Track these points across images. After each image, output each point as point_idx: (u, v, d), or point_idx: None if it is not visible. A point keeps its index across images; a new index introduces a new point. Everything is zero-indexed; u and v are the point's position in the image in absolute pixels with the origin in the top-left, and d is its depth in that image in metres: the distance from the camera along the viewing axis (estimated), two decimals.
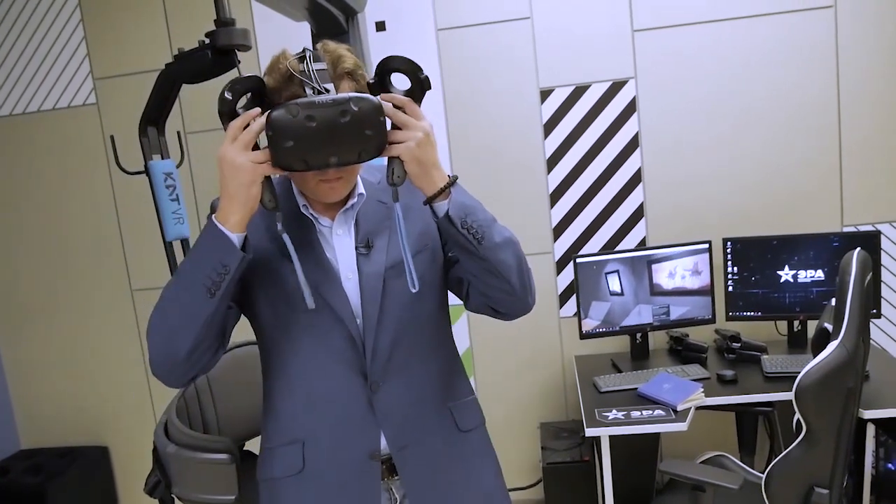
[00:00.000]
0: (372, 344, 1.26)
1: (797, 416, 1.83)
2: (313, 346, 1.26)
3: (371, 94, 1.14)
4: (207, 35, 1.94)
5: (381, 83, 1.17)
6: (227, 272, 1.12)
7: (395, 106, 1.14)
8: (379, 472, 1.28)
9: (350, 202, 1.28)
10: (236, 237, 1.12)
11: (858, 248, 1.91)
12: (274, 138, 1.09)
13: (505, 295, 1.23)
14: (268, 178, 1.13)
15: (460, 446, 1.36)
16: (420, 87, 1.16)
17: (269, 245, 1.24)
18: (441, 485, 1.33)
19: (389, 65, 1.15)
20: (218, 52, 1.94)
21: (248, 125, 1.11)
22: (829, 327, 1.88)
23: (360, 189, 1.30)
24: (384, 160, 1.19)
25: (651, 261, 2.70)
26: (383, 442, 1.28)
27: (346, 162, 1.11)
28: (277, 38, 2.95)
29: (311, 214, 1.27)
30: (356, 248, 1.28)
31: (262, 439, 1.37)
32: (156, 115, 2.16)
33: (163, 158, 2.20)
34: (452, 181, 1.17)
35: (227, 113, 1.11)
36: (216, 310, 1.13)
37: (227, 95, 1.10)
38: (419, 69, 1.15)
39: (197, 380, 1.99)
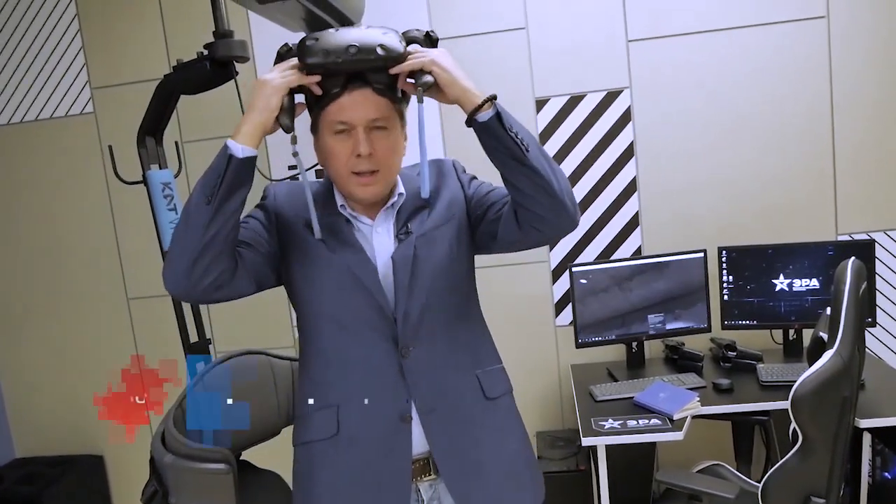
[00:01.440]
0: (403, 309, 1.32)
1: (793, 425, 1.84)
2: (345, 314, 1.33)
3: None
4: (206, 47, 1.96)
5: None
6: (221, 176, 1.20)
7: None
8: (410, 434, 1.33)
9: (391, 201, 1.36)
10: (241, 148, 1.20)
11: (853, 258, 1.92)
12: (300, 44, 1.23)
13: (552, 211, 1.25)
14: (290, 101, 1.24)
15: (487, 413, 1.40)
16: (430, 42, 1.30)
17: (302, 228, 1.34)
18: (467, 449, 1.37)
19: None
20: (216, 63, 1.96)
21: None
22: (825, 336, 1.89)
23: (401, 188, 1.38)
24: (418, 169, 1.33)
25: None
26: (414, 406, 1.33)
27: (366, 47, 1.20)
28: (274, 49, 2.94)
29: (350, 213, 1.36)
30: (396, 236, 1.35)
31: (296, 408, 1.45)
32: (154, 125, 2.18)
33: (161, 168, 2.21)
34: (494, 96, 1.23)
35: (281, 58, 1.28)
36: (212, 218, 1.19)
37: (289, 44, 1.28)
38: (424, 32, 1.31)
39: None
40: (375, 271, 1.32)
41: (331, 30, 1.23)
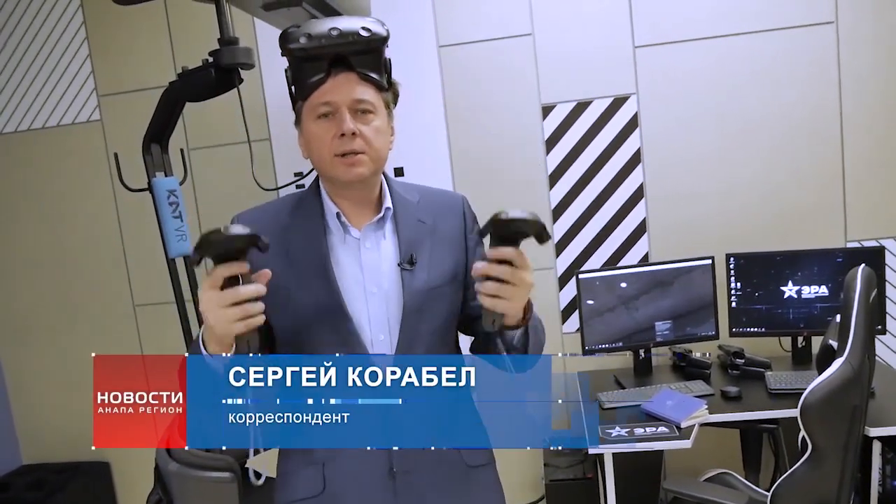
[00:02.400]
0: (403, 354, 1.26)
1: (802, 433, 1.82)
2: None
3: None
4: (211, 54, 1.96)
5: (498, 238, 1.06)
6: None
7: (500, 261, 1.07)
8: (396, 491, 1.28)
9: (377, 216, 1.30)
10: (211, 358, 1.13)
11: (863, 265, 1.90)
12: (282, 34, 1.20)
13: (502, 368, 1.24)
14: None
15: (465, 482, 1.34)
16: (539, 241, 1.05)
17: (273, 259, 1.23)
18: None
19: (511, 228, 1.03)
20: (221, 70, 1.96)
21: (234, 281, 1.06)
22: (834, 344, 1.87)
23: (388, 203, 1.31)
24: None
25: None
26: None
27: (349, 31, 1.18)
28: (280, 56, 2.96)
29: (344, 223, 1.29)
30: (399, 264, 1.28)
31: (279, 463, 1.37)
32: (159, 132, 2.18)
33: (166, 176, 2.21)
34: (529, 307, 1.17)
35: (221, 255, 1.03)
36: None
37: (224, 230, 1.00)
38: (542, 228, 1.03)
39: None
40: (349, 318, 1.25)
41: (312, 19, 1.24)
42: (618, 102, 2.86)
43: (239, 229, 1.02)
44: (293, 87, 1.26)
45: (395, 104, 1.31)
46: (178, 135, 2.93)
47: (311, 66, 1.22)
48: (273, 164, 3.03)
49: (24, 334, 3.34)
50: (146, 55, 3.06)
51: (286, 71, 1.26)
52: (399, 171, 2.92)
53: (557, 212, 2.94)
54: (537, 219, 1.02)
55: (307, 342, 1.26)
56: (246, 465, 2.17)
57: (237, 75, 2.01)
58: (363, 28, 1.20)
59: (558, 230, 2.95)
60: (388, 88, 1.28)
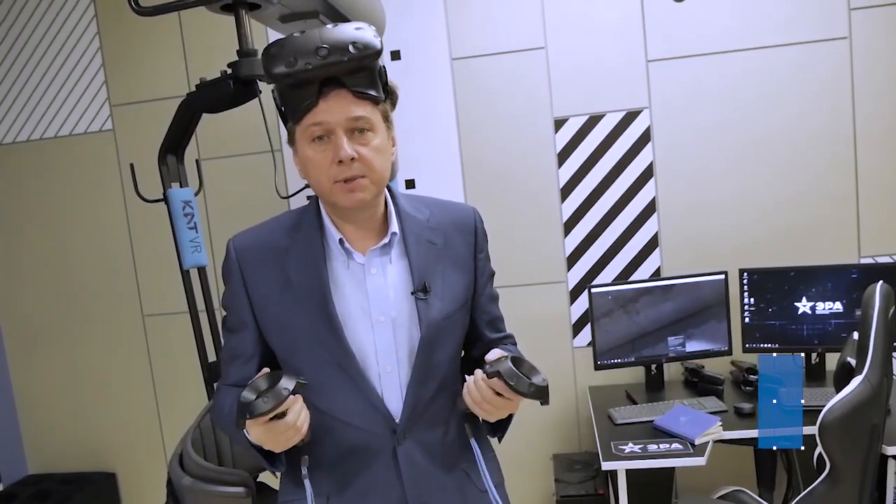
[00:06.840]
0: (415, 392, 1.22)
1: (818, 451, 1.80)
2: (332, 402, 1.23)
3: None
4: (230, 65, 1.96)
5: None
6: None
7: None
8: None
9: (382, 241, 1.24)
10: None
11: (881, 281, 1.89)
12: (264, 53, 1.13)
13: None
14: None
15: None
16: (537, 395, 1.12)
17: (278, 290, 1.22)
18: None
19: (516, 387, 1.10)
20: (240, 81, 1.96)
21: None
22: (852, 362, 1.86)
23: (394, 227, 1.25)
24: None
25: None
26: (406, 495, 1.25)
27: (338, 46, 1.10)
28: None
29: (347, 249, 1.23)
30: (413, 292, 1.22)
31: (280, 492, 1.33)
32: (176, 143, 2.18)
33: (181, 186, 2.21)
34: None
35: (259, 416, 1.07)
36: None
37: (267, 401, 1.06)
38: (543, 396, 1.11)
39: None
40: (356, 359, 1.20)
41: (296, 33, 1.12)
42: (630, 116, 2.86)
43: (286, 384, 1.08)
44: (283, 108, 1.18)
45: (394, 107, 1.24)
46: (191, 145, 2.94)
47: (299, 90, 1.13)
48: (285, 173, 3.04)
49: (31, 344, 3.34)
50: (159, 65, 3.07)
51: (273, 92, 1.18)
52: (410, 183, 2.92)
53: (569, 225, 2.93)
54: (540, 393, 1.10)
55: (308, 369, 1.21)
56: (258, 479, 2.16)
57: (256, 87, 2.01)
58: (353, 46, 1.10)
59: (570, 244, 2.95)
60: (386, 98, 1.20)
